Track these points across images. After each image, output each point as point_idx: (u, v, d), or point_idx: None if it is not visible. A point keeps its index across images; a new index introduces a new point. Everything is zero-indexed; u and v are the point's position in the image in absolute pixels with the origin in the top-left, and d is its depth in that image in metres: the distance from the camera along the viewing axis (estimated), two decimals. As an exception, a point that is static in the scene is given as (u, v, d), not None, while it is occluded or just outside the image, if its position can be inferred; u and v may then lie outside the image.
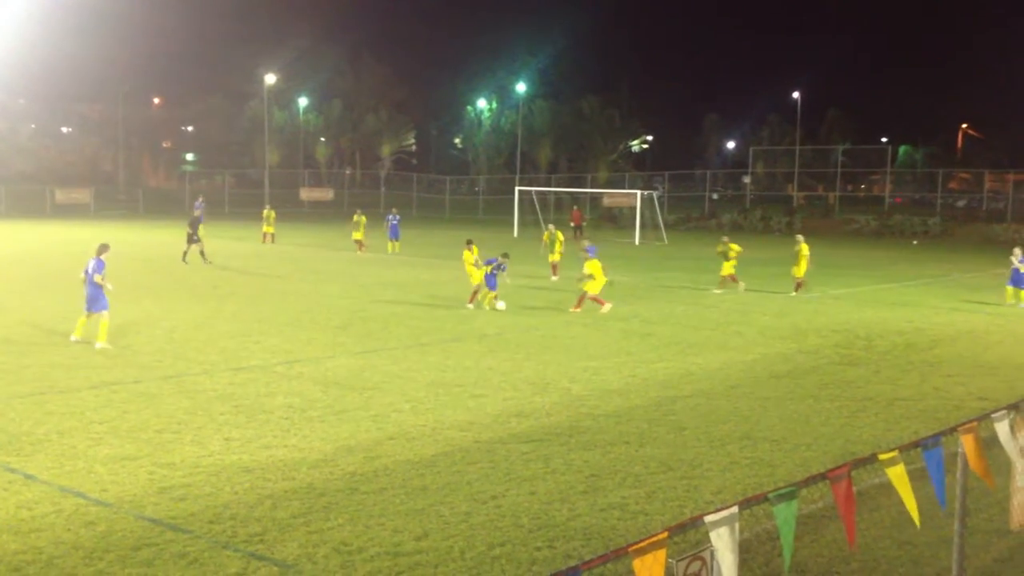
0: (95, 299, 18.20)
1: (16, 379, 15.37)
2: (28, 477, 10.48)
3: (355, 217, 44.13)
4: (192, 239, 35.47)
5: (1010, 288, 27.34)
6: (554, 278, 32.28)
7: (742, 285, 29.92)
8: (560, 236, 33.80)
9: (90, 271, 18.19)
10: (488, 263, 25.22)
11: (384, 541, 8.91)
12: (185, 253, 35.36)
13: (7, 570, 8.04)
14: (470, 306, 24.82)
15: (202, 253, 35.26)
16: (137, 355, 17.71)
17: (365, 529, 9.19)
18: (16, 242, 45.12)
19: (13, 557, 8.32)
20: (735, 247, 30.16)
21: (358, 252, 42.09)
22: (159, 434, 12.34)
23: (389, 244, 43.52)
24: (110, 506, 9.66)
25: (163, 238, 47.60)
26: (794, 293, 29.46)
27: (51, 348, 18.15)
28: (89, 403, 13.87)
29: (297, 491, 10.26)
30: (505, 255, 25.37)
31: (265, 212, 47.49)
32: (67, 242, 45.19)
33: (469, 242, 26.37)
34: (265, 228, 46.63)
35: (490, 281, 25.07)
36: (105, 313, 18.15)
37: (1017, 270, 27.10)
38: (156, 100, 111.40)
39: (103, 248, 18.82)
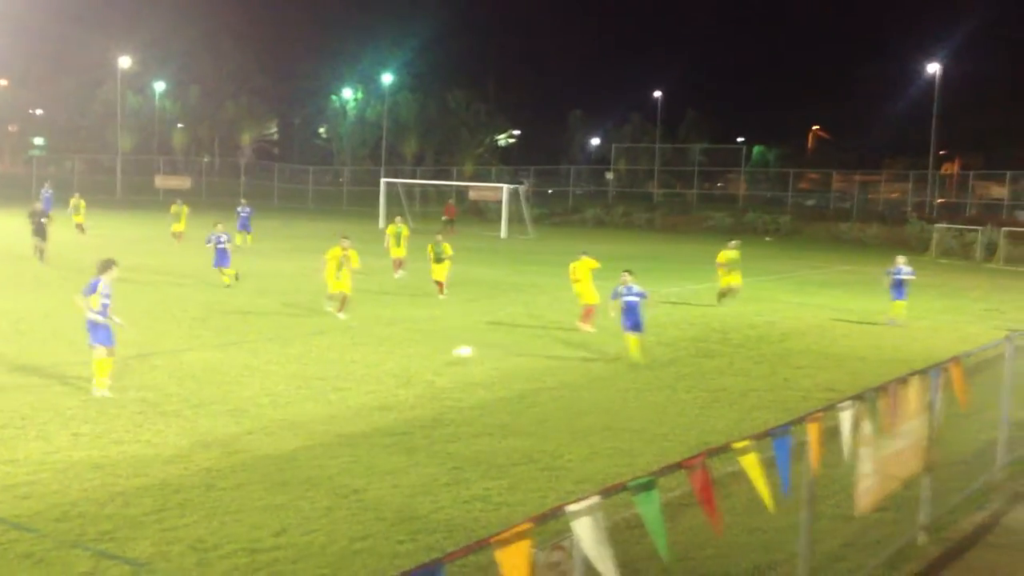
0: (89, 327, 13.88)
1: None
2: None
3: (174, 208, 40.63)
4: (40, 233, 31.39)
5: (899, 302, 24.19)
6: (397, 274, 30.85)
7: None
8: (406, 231, 32.38)
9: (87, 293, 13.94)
10: (212, 240, 26.12)
11: (241, 537, 8.71)
12: (41, 252, 31.06)
13: None
14: (341, 315, 21.73)
15: (40, 249, 31.07)
16: (-22, 347, 16.82)
17: (222, 526, 8.97)
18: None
19: None
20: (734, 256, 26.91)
21: (177, 244, 38.41)
22: (1, 429, 11.75)
23: (239, 236, 39.69)
24: (-53, 506, 9.16)
25: (8, 225, 45.33)
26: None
27: None
28: (-76, 398, 13.11)
29: (150, 488, 9.93)
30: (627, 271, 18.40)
31: (73, 201, 42.56)
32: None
33: (345, 238, 22.75)
34: (76, 218, 41.65)
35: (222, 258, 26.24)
36: (102, 350, 13.74)
37: (900, 281, 24.11)
38: (1, 81, 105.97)
39: (107, 265, 14.12)
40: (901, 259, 24.76)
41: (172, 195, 75.89)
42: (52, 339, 17.87)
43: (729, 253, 26.82)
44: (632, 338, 17.86)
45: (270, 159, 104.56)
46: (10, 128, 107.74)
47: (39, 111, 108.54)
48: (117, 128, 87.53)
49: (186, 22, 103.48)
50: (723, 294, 26.65)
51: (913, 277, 24.64)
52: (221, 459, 10.99)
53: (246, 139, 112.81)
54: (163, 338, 18.41)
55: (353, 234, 29.88)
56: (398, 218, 34.12)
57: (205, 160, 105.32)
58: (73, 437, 11.59)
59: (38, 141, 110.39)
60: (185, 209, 40.21)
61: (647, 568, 8.18)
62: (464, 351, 17.69)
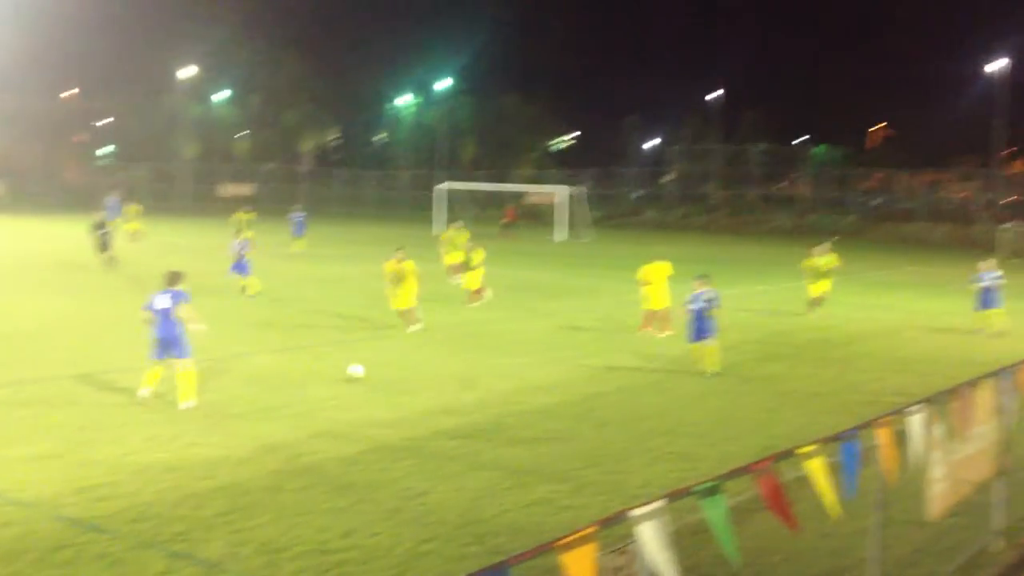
0: (174, 342, 13.67)
1: (-75, 378, 14.89)
2: (-61, 478, 10.17)
3: (238, 215, 41.19)
4: (104, 247, 30.92)
5: (983, 311, 22.48)
6: (454, 280, 29.48)
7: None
8: (463, 237, 30.66)
9: (159, 307, 13.69)
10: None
11: (309, 539, 8.85)
12: (110, 260, 30.77)
13: (-83, 574, 7.81)
14: (414, 327, 20.60)
15: (108, 255, 30.88)
16: (55, 352, 17.26)
17: (290, 527, 9.11)
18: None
19: (-75, 561, 8.07)
20: (827, 262, 25.25)
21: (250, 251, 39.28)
22: (80, 432, 12.06)
23: (293, 243, 40.40)
24: (28, 506, 9.43)
25: (78, 233, 46.41)
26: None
27: (-39, 346, 17.59)
28: (7, 401, 13.49)
29: (221, 490, 10.13)
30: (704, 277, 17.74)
31: (129, 208, 43.69)
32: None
33: (400, 249, 21.58)
34: (130, 226, 42.29)
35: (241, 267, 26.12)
36: (188, 362, 13.73)
37: (989, 289, 22.35)
38: (71, 93, 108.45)
39: (176, 276, 14.23)
40: (987, 263, 22.72)
41: (235, 203, 77.07)
42: (123, 345, 18.27)
43: (817, 259, 25.14)
44: (694, 347, 17.33)
45: (330, 165, 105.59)
46: (79, 138, 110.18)
47: (107, 121, 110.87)
48: (181, 137, 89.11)
49: (248, 33, 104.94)
50: (814, 303, 24.84)
51: (1002, 281, 22.54)
52: (288, 462, 11.17)
53: (306, 146, 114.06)
54: (231, 343, 18.72)
55: (408, 239, 30.12)
56: (453, 224, 33.40)
57: (268, 167, 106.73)
58: (147, 440, 11.85)
59: (106, 151, 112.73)
60: (247, 216, 40.57)
61: (713, 573, 8.16)
62: (356, 370, 15.61)
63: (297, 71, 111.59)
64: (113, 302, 23.75)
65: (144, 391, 13.70)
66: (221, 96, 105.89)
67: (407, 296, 20.65)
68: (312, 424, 12.88)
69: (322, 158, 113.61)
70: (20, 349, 17.42)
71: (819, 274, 24.98)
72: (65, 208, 52.14)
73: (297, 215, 42.02)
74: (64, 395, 14.01)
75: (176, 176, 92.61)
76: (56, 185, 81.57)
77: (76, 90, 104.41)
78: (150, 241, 41.36)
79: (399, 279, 20.53)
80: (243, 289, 25.97)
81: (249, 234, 27.26)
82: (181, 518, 9.25)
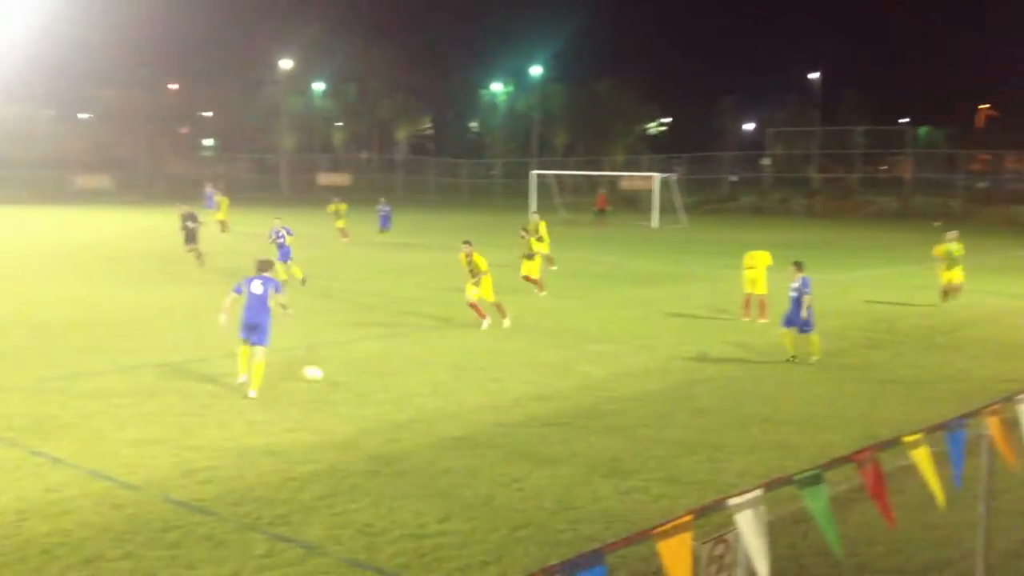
0: (261, 327, 13.73)
1: (42, 363, 15.50)
2: (55, 460, 10.58)
3: (331, 206, 40.94)
4: (191, 239, 29.98)
5: None
6: (552, 268, 29.52)
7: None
8: (543, 226, 29.55)
9: (254, 292, 13.80)
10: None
11: (407, 523, 8.96)
12: (198, 255, 29.88)
13: (37, 552, 8.14)
14: (505, 322, 19.72)
15: (197, 255, 29.77)
16: (161, 339, 17.81)
17: (388, 511, 9.25)
18: (39, 228, 45.34)
19: (43, 539, 8.42)
20: (954, 248, 23.98)
21: (341, 240, 38.88)
22: (183, 417, 12.43)
23: (380, 236, 40.45)
24: (137, 489, 9.76)
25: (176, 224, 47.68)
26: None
27: (76, 332, 18.26)
28: (114, 387, 13.98)
29: (320, 473, 10.32)
30: None
31: (217, 199, 44.28)
32: (88, 227, 45.43)
33: (466, 243, 20.28)
34: (218, 216, 42.50)
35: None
36: (263, 351, 13.69)
37: None
38: (173, 86, 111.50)
39: (267, 264, 14.48)
40: None
41: (334, 192, 78.33)
42: (219, 333, 18.72)
43: (947, 245, 24.06)
44: (783, 333, 16.88)
45: (425, 154, 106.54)
46: (182, 130, 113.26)
47: (208, 113, 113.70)
48: (281, 128, 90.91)
49: (343, 24, 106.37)
50: (946, 292, 23.61)
51: None
52: (386, 446, 11.33)
53: (401, 135, 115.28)
54: (329, 330, 19.05)
55: (504, 226, 30.21)
56: (535, 214, 32.10)
57: (363, 157, 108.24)
58: (249, 424, 12.15)
59: (207, 142, 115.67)
60: (344, 207, 40.61)
61: (813, 563, 8.02)
62: (314, 372, 14.60)
63: (391, 61, 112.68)
64: (209, 291, 24.35)
65: (242, 377, 13.93)
66: (318, 87, 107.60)
67: (484, 290, 19.43)
68: (408, 410, 13.04)
69: (416, 147, 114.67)
70: (121, 338, 18.01)
71: (952, 261, 23.75)
72: (169, 199, 53.70)
73: (383, 208, 41.86)
74: (165, 382, 14.43)
75: (276, 167, 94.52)
76: (160, 177, 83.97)
77: (177, 84, 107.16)
78: (241, 232, 42.27)
79: (472, 274, 19.49)
80: (302, 278, 25.45)
81: (279, 223, 26.71)
82: (282, 501, 9.46)
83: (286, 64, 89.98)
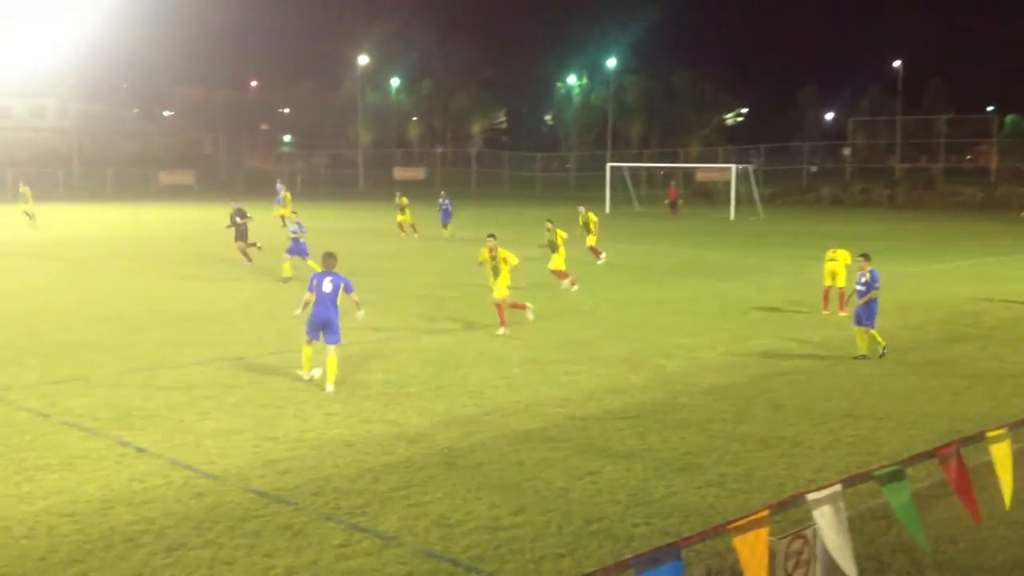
0: (331, 325, 13.74)
1: (127, 355, 15.93)
2: (140, 450, 10.86)
3: (398, 199, 40.58)
4: (242, 237, 29.01)
5: None
6: (599, 261, 29.61)
7: None
8: (592, 217, 30.32)
9: (324, 290, 13.73)
10: None
11: (482, 515, 9.01)
12: (245, 254, 28.92)
13: (121, 540, 8.36)
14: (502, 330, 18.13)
15: (245, 252, 28.94)
16: (240, 332, 18.16)
17: (463, 503, 9.30)
18: (124, 223, 46.55)
19: (127, 527, 8.65)
20: None
21: (402, 236, 38.80)
22: (263, 409, 12.66)
23: (443, 230, 39.51)
24: (218, 478, 9.97)
25: (264, 218, 48.52)
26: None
27: (159, 325, 18.71)
28: (196, 379, 14.30)
29: (396, 465, 10.43)
30: None
31: (284, 193, 44.67)
32: (171, 223, 46.50)
33: (491, 236, 19.10)
34: (282, 210, 42.59)
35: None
36: (335, 348, 13.74)
37: None
38: (253, 83, 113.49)
39: (331, 257, 14.23)
40: None
41: (409, 186, 78.93)
42: (296, 327, 19.02)
43: None
44: (858, 330, 16.26)
45: (499, 148, 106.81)
46: (262, 127, 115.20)
47: (286, 110, 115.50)
48: (357, 123, 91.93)
49: (418, 20, 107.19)
50: None
51: None
52: (460, 439, 11.40)
53: (476, 129, 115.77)
54: (404, 323, 19.22)
55: (579, 219, 30.14)
56: (581, 208, 31.62)
57: (438, 151, 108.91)
58: (326, 416, 12.33)
59: (286, 138, 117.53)
60: (405, 200, 40.07)
61: (894, 560, 7.86)
62: (314, 372, 14.11)
63: (466, 56, 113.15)
64: (286, 286, 24.75)
65: (310, 374, 14.03)
66: (394, 83, 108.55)
67: (501, 286, 18.61)
68: (483, 403, 13.10)
69: (491, 141, 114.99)
70: (203, 331, 18.39)
71: None
72: (249, 195, 54.77)
73: (445, 200, 40.75)
74: (245, 375, 14.69)
75: (352, 162, 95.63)
76: (240, 173, 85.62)
77: (256, 82, 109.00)
78: (314, 227, 42.74)
79: (494, 270, 18.80)
80: (288, 277, 24.49)
81: (295, 216, 26.11)
82: (359, 492, 9.58)
83: (363, 60, 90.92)
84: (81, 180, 76.61)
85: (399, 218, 39.92)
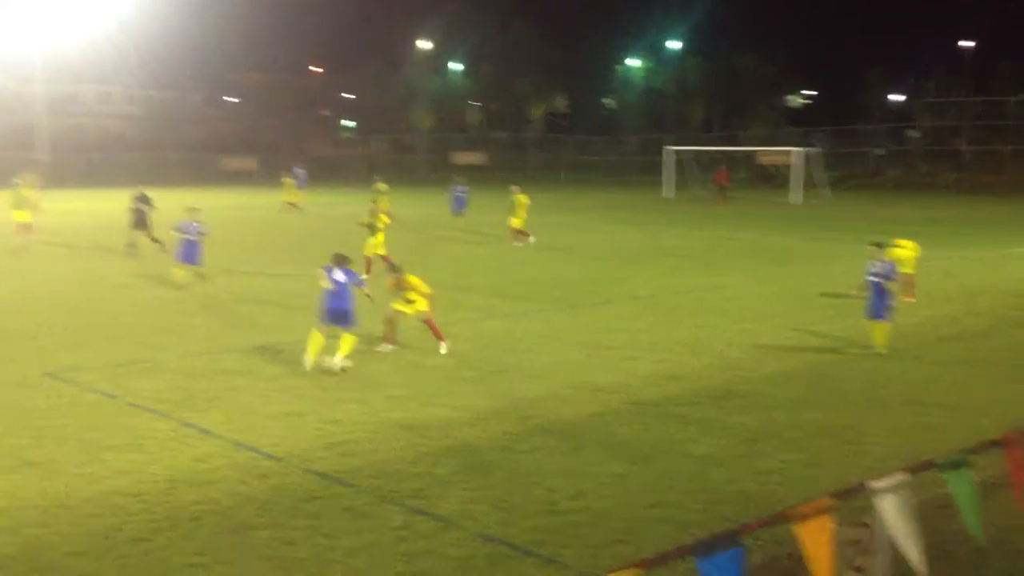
0: (347, 314, 14.06)
1: (191, 338, 16.21)
2: (204, 431, 11.06)
3: (376, 185, 39.19)
4: (139, 223, 26.89)
5: None
6: (518, 243, 30.10)
7: None
8: (523, 199, 30.76)
9: (338, 279, 14.11)
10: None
11: (540, 499, 9.02)
12: (134, 243, 26.97)
13: (186, 519, 8.52)
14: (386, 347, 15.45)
15: (134, 243, 27.08)
16: (304, 316, 18.35)
17: (521, 487, 9.32)
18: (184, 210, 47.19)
19: (191, 507, 8.81)
20: None
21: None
22: (324, 392, 12.80)
23: (453, 220, 36.61)
24: (280, 460, 10.11)
25: (326, 201, 49.00)
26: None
27: (222, 308, 19.00)
28: (259, 361, 14.50)
29: (455, 449, 10.48)
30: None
31: (285, 180, 44.96)
32: (233, 208, 47.13)
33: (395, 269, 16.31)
34: (285, 197, 43.54)
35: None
36: (353, 329, 14.10)
37: None
38: (314, 69, 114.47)
39: (342, 259, 14.51)
40: None
41: (469, 171, 79.05)
42: (368, 309, 19.16)
43: None
44: (873, 325, 15.35)
45: (559, 132, 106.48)
46: (323, 112, 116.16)
47: (348, 95, 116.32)
48: (418, 108, 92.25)
49: (478, 3, 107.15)
50: None
51: None
52: (519, 423, 11.42)
53: (536, 113, 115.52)
54: (463, 308, 19.28)
55: (639, 204, 29.95)
56: (514, 187, 31.90)
57: (498, 136, 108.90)
58: (387, 400, 12.43)
59: (347, 124, 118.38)
60: (384, 186, 38.73)
61: (958, 550, 7.71)
62: (333, 363, 13.80)
63: (527, 39, 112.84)
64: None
65: (308, 359, 13.84)
66: (455, 67, 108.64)
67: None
68: (540, 387, 13.10)
69: (551, 125, 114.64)
70: (264, 315, 18.62)
71: None
72: (312, 181, 55.32)
73: (459, 189, 37.50)
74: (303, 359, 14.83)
75: (413, 147, 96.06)
76: (302, 158, 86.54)
77: (318, 68, 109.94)
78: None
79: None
80: (201, 276, 22.14)
81: (194, 215, 22.46)
82: (418, 475, 9.65)
83: (424, 45, 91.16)
84: (146, 166, 77.99)
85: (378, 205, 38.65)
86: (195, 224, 22.06)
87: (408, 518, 8.57)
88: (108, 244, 29.68)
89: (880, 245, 15.69)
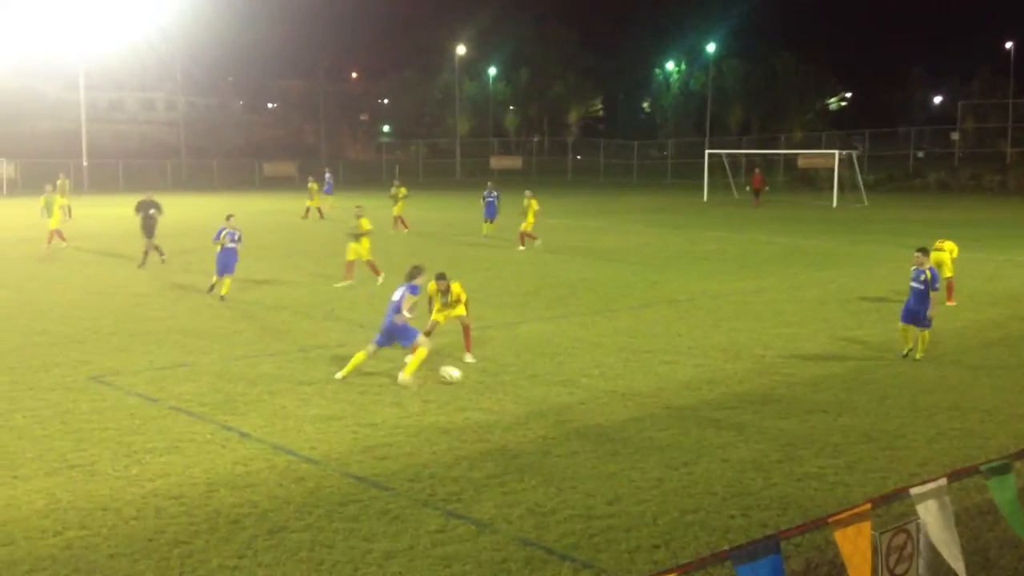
0: (397, 333, 13.66)
1: (231, 343, 16.36)
2: (243, 435, 11.15)
3: (393, 189, 38.51)
4: (148, 229, 26.40)
5: None
6: (522, 247, 30.47)
7: None
8: (534, 204, 31.34)
9: (393, 298, 13.85)
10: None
11: (576, 504, 9.01)
12: (156, 249, 26.63)
13: (225, 522, 8.60)
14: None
15: (146, 251, 26.60)
16: (340, 321, 18.49)
17: (558, 492, 9.31)
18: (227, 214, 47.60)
19: (231, 510, 8.89)
20: None
21: (391, 230, 35.89)
22: (362, 395, 12.86)
23: (484, 226, 34.98)
24: (318, 463, 10.17)
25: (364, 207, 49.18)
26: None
27: (261, 314, 19.17)
28: (297, 366, 14.61)
29: (491, 453, 10.49)
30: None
31: (311, 185, 44.40)
32: (273, 212, 47.54)
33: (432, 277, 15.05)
34: (309, 202, 43.63)
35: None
36: (420, 340, 13.71)
37: None
38: (353, 75, 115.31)
39: (417, 271, 14.09)
40: None
41: (506, 175, 79.05)
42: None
43: None
44: (907, 329, 15.07)
45: (596, 136, 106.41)
46: (362, 117, 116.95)
47: (386, 100, 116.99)
48: (455, 113, 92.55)
49: (516, 8, 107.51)
50: None
51: None
52: (555, 427, 11.41)
53: (573, 117, 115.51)
54: (499, 312, 19.31)
55: (676, 207, 29.83)
56: (527, 192, 32.39)
57: (535, 140, 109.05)
58: (423, 404, 12.47)
59: (386, 129, 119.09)
60: (403, 191, 38.34)
61: (1000, 556, 7.60)
62: (453, 373, 13.58)
63: (563, 44, 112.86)
64: (395, 274, 25.08)
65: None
66: (492, 72, 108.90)
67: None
68: (578, 391, 13.08)
69: (587, 129, 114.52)
70: (305, 319, 18.75)
71: None
72: (350, 185, 55.65)
73: (490, 194, 35.46)
74: (342, 363, 14.90)
75: (450, 151, 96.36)
76: (341, 163, 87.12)
77: (357, 73, 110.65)
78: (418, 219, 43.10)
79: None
80: (212, 289, 21.31)
81: (232, 221, 21.61)
82: (455, 479, 9.67)
83: (461, 50, 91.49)
84: (188, 171, 78.89)
85: (394, 211, 37.64)
86: (233, 231, 21.26)
87: (445, 521, 8.59)
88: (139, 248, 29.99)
89: (925, 251, 15.40)
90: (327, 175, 52.25)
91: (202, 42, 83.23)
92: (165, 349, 15.83)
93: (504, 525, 8.53)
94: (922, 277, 14.87)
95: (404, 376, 13.40)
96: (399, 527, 8.48)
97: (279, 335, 17.07)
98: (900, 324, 15.42)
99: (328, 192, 49.39)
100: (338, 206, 46.61)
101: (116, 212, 44.65)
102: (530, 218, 31.29)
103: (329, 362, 14.80)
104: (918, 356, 14.91)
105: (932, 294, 14.81)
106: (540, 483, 9.54)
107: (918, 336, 15.01)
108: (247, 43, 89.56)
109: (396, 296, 13.80)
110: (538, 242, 30.84)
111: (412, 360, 13.55)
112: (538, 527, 8.48)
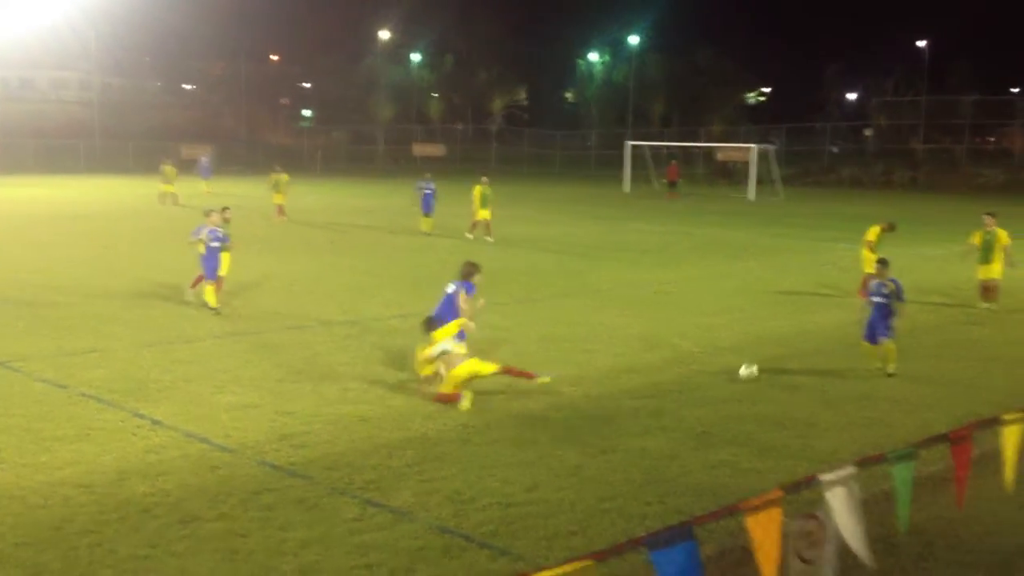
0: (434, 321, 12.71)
1: (144, 329, 16.01)
2: (155, 423, 10.93)
3: (273, 176, 35.82)
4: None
5: None
6: (469, 235, 30.36)
7: None
8: (489, 192, 30.67)
9: (447, 291, 13.54)
10: None
11: (495, 491, 9.02)
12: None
13: (136, 511, 8.42)
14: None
15: None
16: (258, 307, 18.22)
17: (477, 479, 9.32)
18: (141, 197, 46.63)
19: (142, 499, 8.71)
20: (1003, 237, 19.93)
21: (274, 218, 34.75)
22: (279, 383, 12.70)
23: (422, 221, 32.16)
24: (233, 451, 10.02)
25: (238, 192, 48.59)
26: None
27: (176, 300, 18.77)
28: (213, 352, 14.36)
29: (411, 441, 10.46)
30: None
31: (274, 177, 36.30)
32: (192, 196, 46.59)
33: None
34: (164, 187, 41.08)
35: None
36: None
37: None
38: (274, 57, 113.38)
39: (472, 269, 13.76)
40: None
41: (429, 163, 78.60)
42: (323, 301, 19.08)
43: (984, 232, 20.00)
44: (870, 348, 14.12)
45: (520, 125, 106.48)
46: (282, 101, 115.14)
47: (307, 85, 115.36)
48: (378, 99, 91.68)
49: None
50: (986, 291, 19.87)
51: None
52: (476, 416, 11.41)
53: (497, 106, 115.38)
54: (421, 300, 19.20)
55: (598, 198, 30.04)
56: (484, 178, 31.53)
57: (459, 128, 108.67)
58: (342, 391, 12.36)
59: (307, 113, 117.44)
60: (284, 178, 35.73)
61: (907, 542, 7.83)
62: (751, 371, 13.38)
63: (488, 32, 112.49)
64: (312, 259, 24.82)
65: (423, 377, 12.75)
66: (415, 58, 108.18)
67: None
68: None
69: (511, 118, 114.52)
70: (222, 305, 18.42)
71: (988, 251, 19.76)
72: (268, 170, 54.68)
73: (426, 185, 32.74)
74: (261, 350, 14.74)
75: (372, 138, 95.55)
76: (260, 147, 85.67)
77: (276, 57, 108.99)
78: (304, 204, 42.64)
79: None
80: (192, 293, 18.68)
81: (214, 219, 18.36)
82: (373, 467, 9.61)
83: (384, 35, 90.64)
84: (103, 153, 76.89)
85: (276, 199, 35.50)
86: (215, 230, 18.03)
87: (363, 510, 8.53)
88: (66, 231, 29.24)
89: (885, 262, 14.39)
90: (203, 159, 50.67)
91: (120, 21, 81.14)
92: (75, 334, 15.42)
93: (422, 513, 8.50)
94: (885, 290, 13.89)
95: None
96: (315, 516, 8.40)
97: (194, 321, 16.74)
98: (863, 344, 14.30)
99: (206, 176, 47.85)
100: (215, 192, 45.15)
101: (28, 193, 43.33)
102: (488, 207, 30.16)
103: (247, 348, 14.59)
104: (891, 370, 13.82)
105: (898, 305, 13.90)
106: (459, 471, 9.54)
107: (883, 350, 13.99)
108: (165, 23, 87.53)
109: (450, 290, 13.38)
110: (471, 236, 30.18)
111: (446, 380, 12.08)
112: (456, 515, 8.48)
